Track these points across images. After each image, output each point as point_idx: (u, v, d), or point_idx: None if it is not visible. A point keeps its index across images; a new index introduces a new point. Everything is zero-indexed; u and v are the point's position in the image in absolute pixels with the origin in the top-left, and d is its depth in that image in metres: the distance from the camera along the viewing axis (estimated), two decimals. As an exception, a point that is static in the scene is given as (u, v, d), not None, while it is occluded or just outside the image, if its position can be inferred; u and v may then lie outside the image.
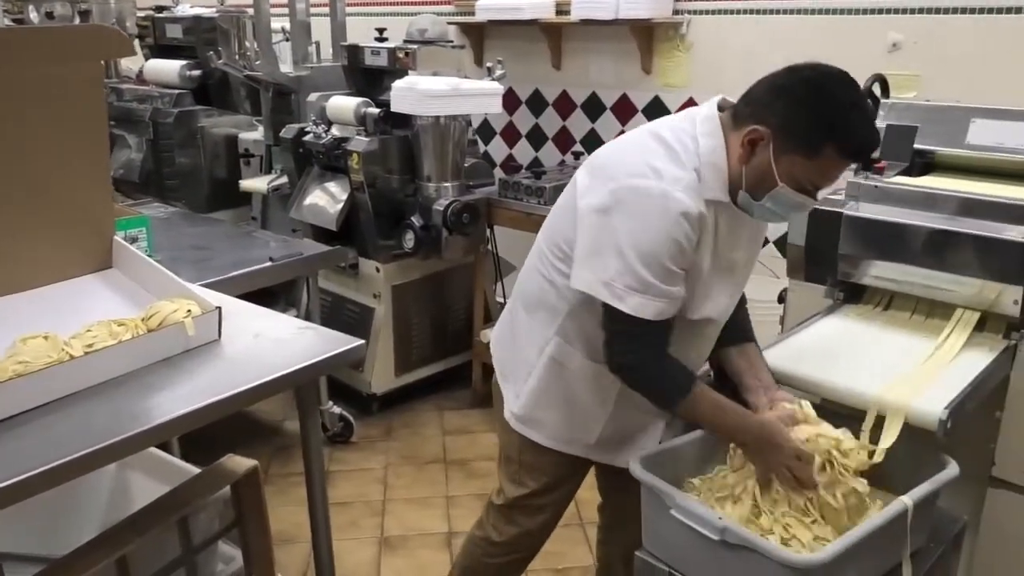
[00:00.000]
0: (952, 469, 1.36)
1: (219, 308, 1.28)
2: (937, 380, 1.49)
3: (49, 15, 3.94)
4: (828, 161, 1.31)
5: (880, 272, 1.82)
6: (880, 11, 2.77)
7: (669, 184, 1.34)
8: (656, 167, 1.36)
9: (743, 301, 1.66)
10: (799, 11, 2.95)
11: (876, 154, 2.05)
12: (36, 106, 1.27)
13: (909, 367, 1.56)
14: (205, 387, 1.18)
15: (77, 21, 4.10)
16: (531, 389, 1.63)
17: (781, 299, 2.14)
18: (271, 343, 1.32)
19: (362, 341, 1.34)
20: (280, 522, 2.28)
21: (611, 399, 1.57)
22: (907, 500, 1.27)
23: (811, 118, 1.30)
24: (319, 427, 1.52)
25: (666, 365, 1.43)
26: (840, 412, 1.49)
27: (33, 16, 4.01)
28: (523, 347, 1.64)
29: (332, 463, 2.97)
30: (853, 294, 1.89)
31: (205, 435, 1.27)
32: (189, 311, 1.25)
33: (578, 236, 1.43)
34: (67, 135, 1.32)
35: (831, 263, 1.85)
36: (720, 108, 1.43)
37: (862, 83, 2.24)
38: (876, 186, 1.86)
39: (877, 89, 2.29)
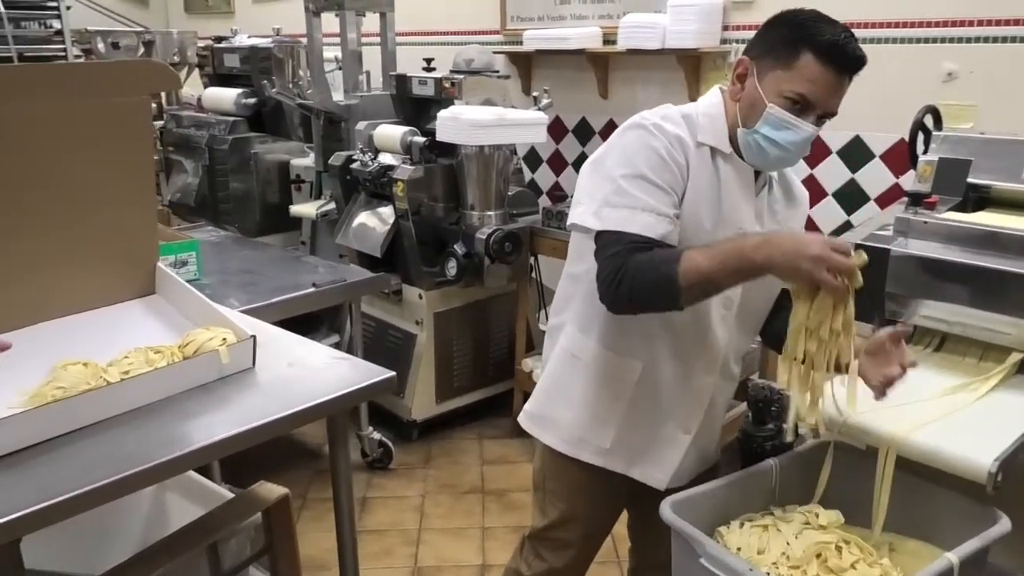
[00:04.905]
0: (1004, 524, 1.30)
1: (253, 337, 1.30)
2: (985, 429, 1.42)
3: (115, 46, 4.12)
4: (807, 66, 1.37)
5: (930, 312, 1.75)
6: (935, 40, 2.70)
7: (647, 116, 1.48)
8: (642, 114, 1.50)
9: None
10: (851, 41, 2.90)
11: (927, 188, 2.01)
12: (85, 137, 1.32)
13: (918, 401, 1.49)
14: (237, 415, 1.19)
15: (142, 51, 4.28)
16: (544, 384, 1.64)
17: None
18: (305, 372, 1.34)
19: (393, 373, 1.34)
20: (314, 548, 2.28)
21: (626, 396, 1.52)
22: (952, 557, 1.21)
23: (783, 32, 1.41)
24: (348, 456, 1.52)
25: (650, 253, 1.36)
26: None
27: (100, 47, 4.19)
28: (545, 348, 1.67)
29: (371, 489, 2.98)
30: (902, 333, 1.83)
31: (247, 458, 1.28)
32: (224, 339, 1.27)
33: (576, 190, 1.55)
34: (114, 165, 1.37)
35: (878, 302, 1.79)
36: None
37: (913, 115, 2.19)
38: (926, 222, 1.80)
39: (929, 121, 2.23)
